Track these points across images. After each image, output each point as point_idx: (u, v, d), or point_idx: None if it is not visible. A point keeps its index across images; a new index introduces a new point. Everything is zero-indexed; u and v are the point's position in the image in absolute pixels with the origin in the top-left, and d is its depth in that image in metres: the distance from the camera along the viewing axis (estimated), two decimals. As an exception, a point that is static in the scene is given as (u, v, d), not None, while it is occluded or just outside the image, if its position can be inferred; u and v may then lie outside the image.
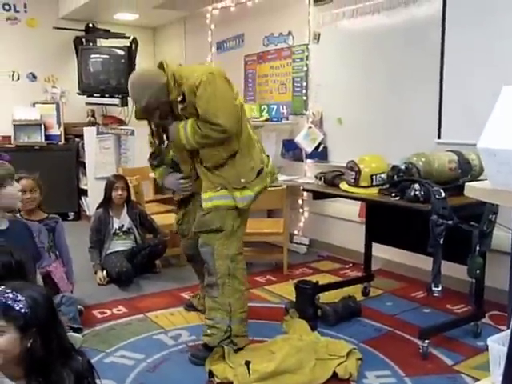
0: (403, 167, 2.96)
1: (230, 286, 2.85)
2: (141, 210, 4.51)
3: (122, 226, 4.36)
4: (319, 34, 4.86)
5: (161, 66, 2.88)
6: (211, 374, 2.62)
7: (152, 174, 5.39)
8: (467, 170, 3.02)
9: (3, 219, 2.45)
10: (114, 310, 3.56)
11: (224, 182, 2.83)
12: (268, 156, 3.07)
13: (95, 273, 4.22)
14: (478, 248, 2.81)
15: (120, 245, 4.32)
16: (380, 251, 3.96)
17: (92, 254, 4.30)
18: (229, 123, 2.72)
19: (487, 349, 1.29)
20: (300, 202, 5.17)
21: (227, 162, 2.84)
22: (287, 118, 5.25)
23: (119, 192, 4.28)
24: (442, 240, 2.66)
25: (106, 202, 4.35)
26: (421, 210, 2.69)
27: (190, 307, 3.55)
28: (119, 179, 4.38)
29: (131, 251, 4.29)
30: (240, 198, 2.83)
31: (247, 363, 2.60)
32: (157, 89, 2.77)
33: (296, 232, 5.21)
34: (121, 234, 4.35)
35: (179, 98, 2.77)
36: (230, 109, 2.76)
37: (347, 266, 4.57)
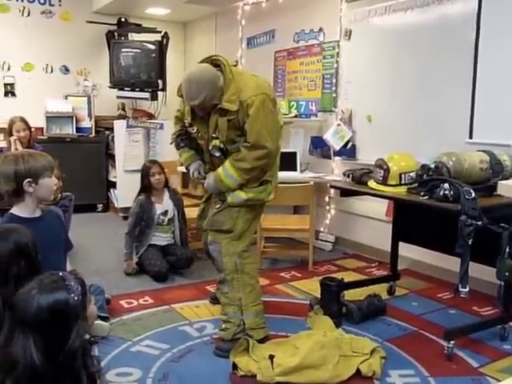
0: (433, 166, 2.93)
1: (239, 281, 2.92)
2: (182, 198, 4.50)
3: (166, 211, 4.28)
4: (350, 31, 4.84)
5: (214, 61, 2.87)
6: (235, 367, 2.65)
7: (180, 168, 5.47)
8: (499, 170, 2.96)
9: (37, 208, 2.50)
10: (141, 301, 3.61)
11: None
12: None
13: (125, 260, 4.20)
14: (507, 250, 2.77)
15: (158, 238, 4.27)
16: (406, 251, 3.93)
17: (127, 240, 4.22)
18: (274, 147, 2.86)
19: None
20: (326, 199, 5.16)
21: None
22: (316, 115, 5.23)
23: (157, 177, 4.24)
24: (470, 241, 2.63)
25: (146, 189, 4.29)
26: (450, 210, 2.66)
27: (214, 300, 3.58)
28: (153, 164, 4.34)
29: (165, 247, 4.28)
30: (232, 193, 2.92)
31: (271, 357, 2.62)
32: (214, 91, 2.76)
33: (322, 229, 5.20)
34: (165, 223, 4.29)
35: (235, 108, 2.76)
36: (278, 133, 2.91)
37: (373, 265, 4.55)
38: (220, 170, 2.91)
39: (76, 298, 1.59)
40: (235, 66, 3.13)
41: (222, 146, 2.88)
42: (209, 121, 2.89)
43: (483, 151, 3.07)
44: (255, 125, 2.76)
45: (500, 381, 2.52)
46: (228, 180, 2.88)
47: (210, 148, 2.93)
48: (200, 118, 2.95)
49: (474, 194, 2.63)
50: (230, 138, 2.85)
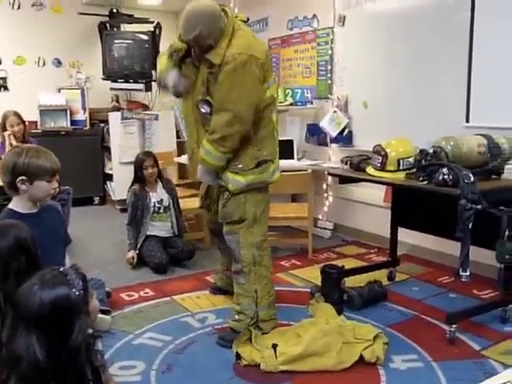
0: (431, 151, 2.91)
1: (256, 273, 2.87)
2: (175, 187, 4.51)
3: (161, 200, 4.29)
4: (344, 17, 4.81)
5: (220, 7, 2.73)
6: (238, 357, 2.65)
7: (177, 159, 5.44)
8: (497, 153, 2.96)
9: (35, 204, 2.47)
10: (141, 293, 3.60)
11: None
12: None
13: (128, 250, 4.20)
14: (507, 233, 2.78)
15: (157, 229, 4.26)
16: (405, 236, 3.93)
17: (128, 232, 4.25)
18: (243, 111, 2.65)
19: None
20: (324, 186, 5.15)
21: None
22: (311, 103, 5.23)
23: (149, 171, 4.24)
24: (470, 225, 2.63)
25: (139, 180, 4.30)
26: (449, 195, 2.66)
27: (215, 290, 3.58)
28: (147, 156, 4.32)
29: (166, 239, 4.27)
30: (232, 179, 2.81)
31: (274, 346, 2.62)
32: (213, 28, 2.62)
33: (320, 217, 5.20)
34: (161, 211, 4.28)
35: (217, 61, 2.62)
36: (252, 99, 2.68)
37: (372, 251, 4.55)
38: (200, 150, 2.80)
39: (78, 292, 1.58)
40: (245, 22, 2.93)
41: (209, 98, 2.73)
42: (199, 73, 2.78)
43: (481, 135, 3.06)
44: (224, 84, 2.61)
45: (505, 364, 2.55)
46: (209, 157, 2.76)
47: (199, 101, 2.78)
48: (194, 69, 2.83)
49: (473, 178, 2.63)
50: (211, 92, 2.73)
